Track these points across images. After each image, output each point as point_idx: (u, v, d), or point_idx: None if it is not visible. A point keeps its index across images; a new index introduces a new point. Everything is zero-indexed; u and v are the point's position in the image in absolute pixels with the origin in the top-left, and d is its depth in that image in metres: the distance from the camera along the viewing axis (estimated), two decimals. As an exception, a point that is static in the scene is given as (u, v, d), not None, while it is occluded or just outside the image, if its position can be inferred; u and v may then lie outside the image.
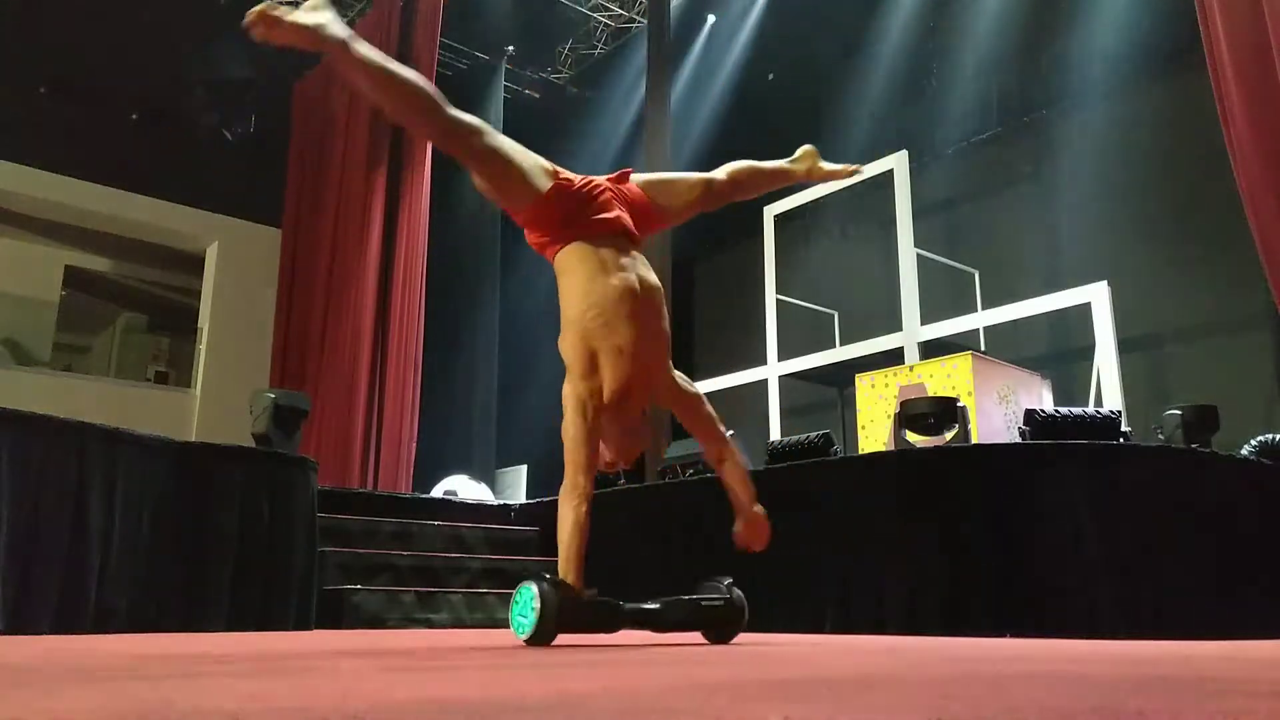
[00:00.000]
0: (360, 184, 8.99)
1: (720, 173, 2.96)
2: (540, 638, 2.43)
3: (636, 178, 2.84)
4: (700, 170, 3.05)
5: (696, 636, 2.93)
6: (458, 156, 2.61)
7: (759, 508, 2.79)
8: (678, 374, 2.74)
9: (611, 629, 2.61)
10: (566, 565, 2.46)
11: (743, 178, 3.01)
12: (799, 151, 3.17)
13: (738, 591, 2.83)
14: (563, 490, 2.52)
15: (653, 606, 2.70)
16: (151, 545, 3.78)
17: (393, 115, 2.59)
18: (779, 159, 3.19)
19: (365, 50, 2.38)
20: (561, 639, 2.60)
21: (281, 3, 2.35)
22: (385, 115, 2.60)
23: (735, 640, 2.88)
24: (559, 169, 2.71)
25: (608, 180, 2.76)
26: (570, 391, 2.58)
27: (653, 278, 2.69)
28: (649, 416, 2.78)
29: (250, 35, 2.26)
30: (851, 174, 3.25)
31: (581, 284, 2.57)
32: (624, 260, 2.62)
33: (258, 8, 2.25)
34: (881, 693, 1.26)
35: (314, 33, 2.31)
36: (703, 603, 2.77)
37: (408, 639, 3.25)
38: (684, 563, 4.58)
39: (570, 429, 2.55)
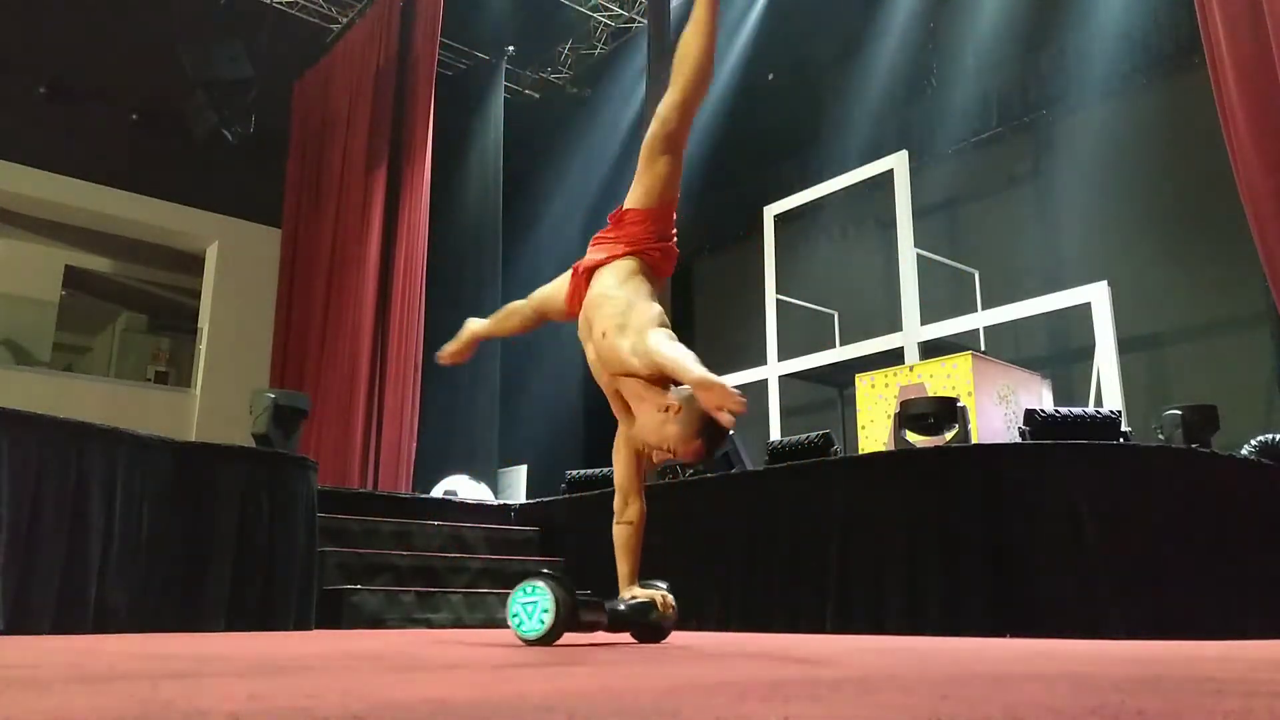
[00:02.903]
0: (360, 184, 8.99)
1: (666, 94, 2.79)
2: (550, 639, 2.48)
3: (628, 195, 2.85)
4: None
5: (690, 636, 2.94)
6: (535, 324, 3.12)
7: (698, 374, 2.30)
8: (654, 335, 2.51)
9: (615, 630, 2.69)
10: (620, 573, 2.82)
11: (680, 56, 2.71)
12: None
13: (656, 594, 2.80)
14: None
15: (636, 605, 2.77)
16: (151, 545, 3.78)
17: (511, 335, 3.31)
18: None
19: (487, 324, 3.21)
20: (570, 638, 2.61)
21: None
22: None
23: (734, 640, 2.88)
24: (580, 263, 2.84)
25: (602, 230, 2.88)
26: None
27: (594, 291, 2.70)
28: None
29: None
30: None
31: None
32: (586, 297, 2.75)
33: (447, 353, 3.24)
34: (881, 693, 1.26)
35: (470, 336, 3.20)
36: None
37: (408, 639, 3.25)
38: (684, 562, 4.58)
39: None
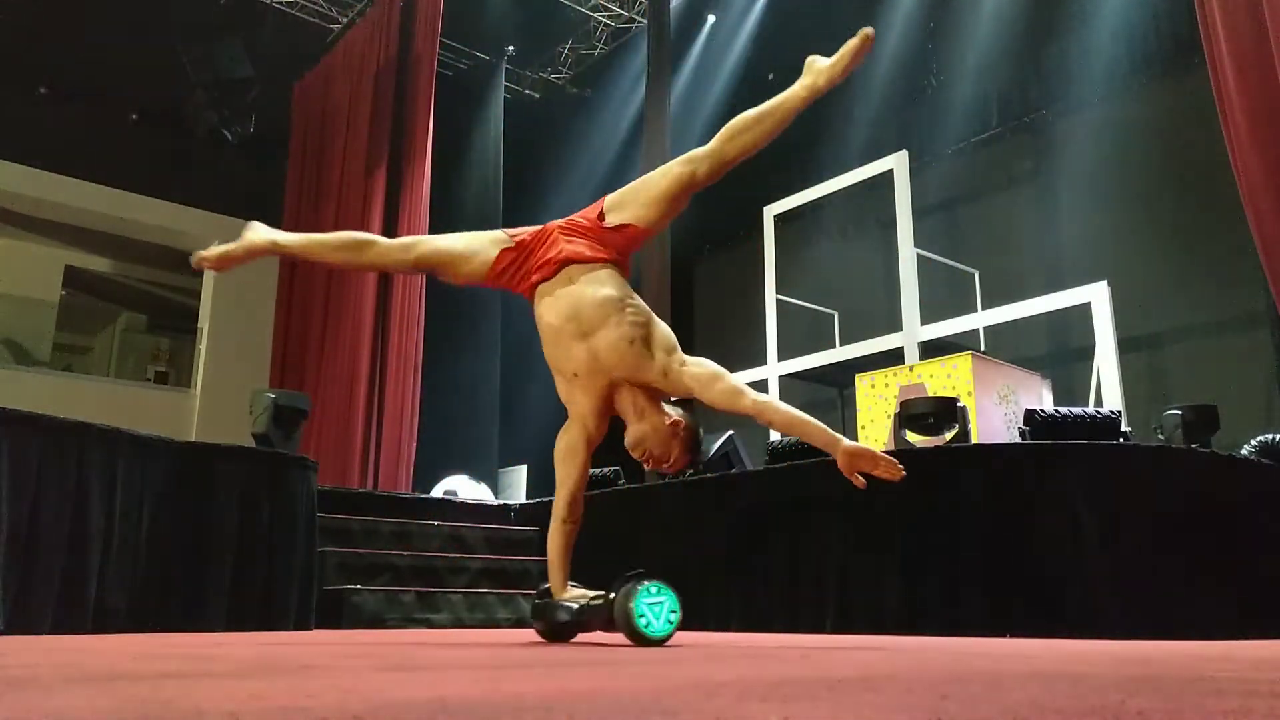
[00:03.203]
0: (360, 184, 8.99)
1: (703, 150, 2.74)
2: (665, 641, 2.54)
3: (609, 198, 2.85)
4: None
5: (690, 636, 2.94)
6: (408, 272, 2.88)
7: (847, 443, 2.59)
8: (684, 359, 2.67)
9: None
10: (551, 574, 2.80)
11: (739, 134, 2.71)
12: (810, 63, 2.74)
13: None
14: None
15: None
16: (151, 545, 3.78)
17: (342, 268, 2.90)
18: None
19: (290, 237, 2.85)
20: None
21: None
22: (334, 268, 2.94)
23: (734, 640, 2.88)
24: (516, 232, 2.82)
25: (568, 219, 2.83)
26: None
27: (598, 292, 2.68)
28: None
29: (197, 268, 2.73)
30: (867, 40, 2.65)
31: (540, 325, 2.75)
32: (566, 290, 2.70)
33: (209, 255, 2.75)
34: (881, 693, 1.26)
35: (248, 248, 2.75)
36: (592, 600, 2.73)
37: (408, 639, 3.25)
38: (684, 562, 4.58)
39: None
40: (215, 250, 2.76)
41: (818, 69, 2.71)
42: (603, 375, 2.67)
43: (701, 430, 2.78)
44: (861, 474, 2.57)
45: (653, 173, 2.88)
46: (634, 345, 2.64)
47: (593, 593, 2.74)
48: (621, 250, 2.79)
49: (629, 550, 4.90)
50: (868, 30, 2.65)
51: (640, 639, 2.50)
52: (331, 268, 2.95)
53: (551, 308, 2.70)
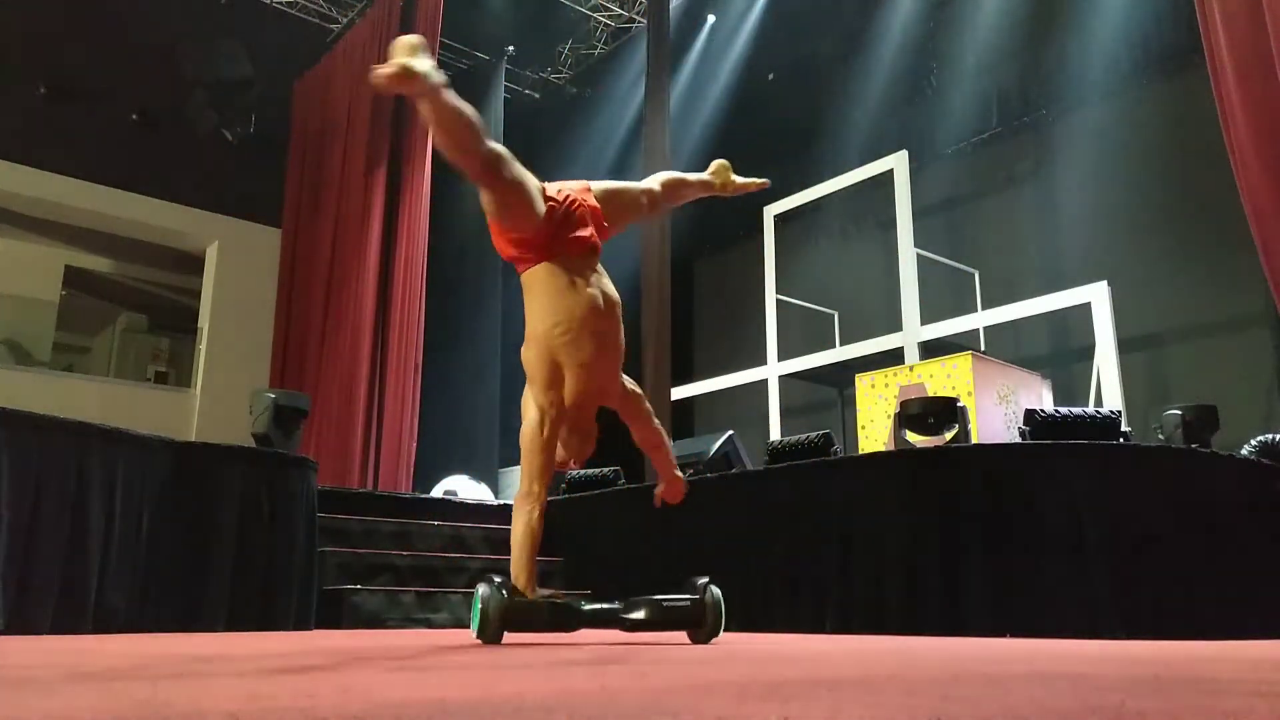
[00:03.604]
0: (360, 184, 8.99)
1: (654, 182, 3.11)
2: (486, 637, 2.51)
3: (594, 187, 2.89)
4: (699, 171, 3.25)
5: (683, 636, 2.93)
6: (484, 184, 2.63)
7: (678, 472, 3.14)
8: (626, 379, 2.88)
9: (566, 629, 2.64)
10: (517, 567, 2.60)
11: (672, 186, 3.16)
12: (713, 165, 3.27)
13: (714, 591, 2.79)
14: (517, 495, 2.68)
15: (612, 606, 2.72)
16: (151, 545, 3.78)
17: (447, 147, 2.64)
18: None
19: (450, 95, 2.51)
20: (561, 638, 2.60)
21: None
22: (438, 145, 2.65)
23: (733, 640, 2.88)
24: (545, 186, 2.77)
25: (577, 193, 2.81)
26: (530, 402, 2.74)
27: (614, 292, 2.76)
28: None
29: (378, 86, 2.36)
30: (760, 186, 3.33)
31: (550, 301, 2.67)
32: (590, 276, 2.71)
33: (400, 65, 2.33)
34: (881, 693, 1.26)
35: (425, 80, 2.39)
36: (665, 603, 2.76)
37: (408, 639, 3.25)
38: (683, 562, 4.58)
39: (528, 437, 2.70)
40: (387, 69, 2.34)
41: (724, 176, 3.25)
42: (596, 375, 2.68)
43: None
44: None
45: (622, 186, 3.00)
46: (622, 355, 2.76)
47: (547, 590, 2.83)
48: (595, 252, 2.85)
49: (629, 550, 4.90)
50: (765, 182, 3.30)
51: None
52: (439, 139, 2.61)
53: (574, 292, 2.66)
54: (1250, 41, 5.07)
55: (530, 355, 2.70)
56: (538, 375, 2.68)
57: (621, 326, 2.78)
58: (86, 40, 9.52)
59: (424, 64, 2.39)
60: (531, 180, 2.70)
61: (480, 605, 2.52)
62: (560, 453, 2.75)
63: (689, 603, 2.75)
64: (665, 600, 2.76)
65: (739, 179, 3.26)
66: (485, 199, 2.66)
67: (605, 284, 2.75)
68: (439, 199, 8.63)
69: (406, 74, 2.35)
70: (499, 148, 2.63)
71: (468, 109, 2.55)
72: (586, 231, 2.73)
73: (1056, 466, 3.69)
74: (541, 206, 2.67)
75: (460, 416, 9.10)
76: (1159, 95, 7.45)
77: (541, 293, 2.68)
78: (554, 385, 2.67)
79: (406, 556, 4.94)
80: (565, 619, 2.61)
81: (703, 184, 3.23)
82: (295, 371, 9.44)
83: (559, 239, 2.69)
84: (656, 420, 3.02)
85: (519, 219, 2.67)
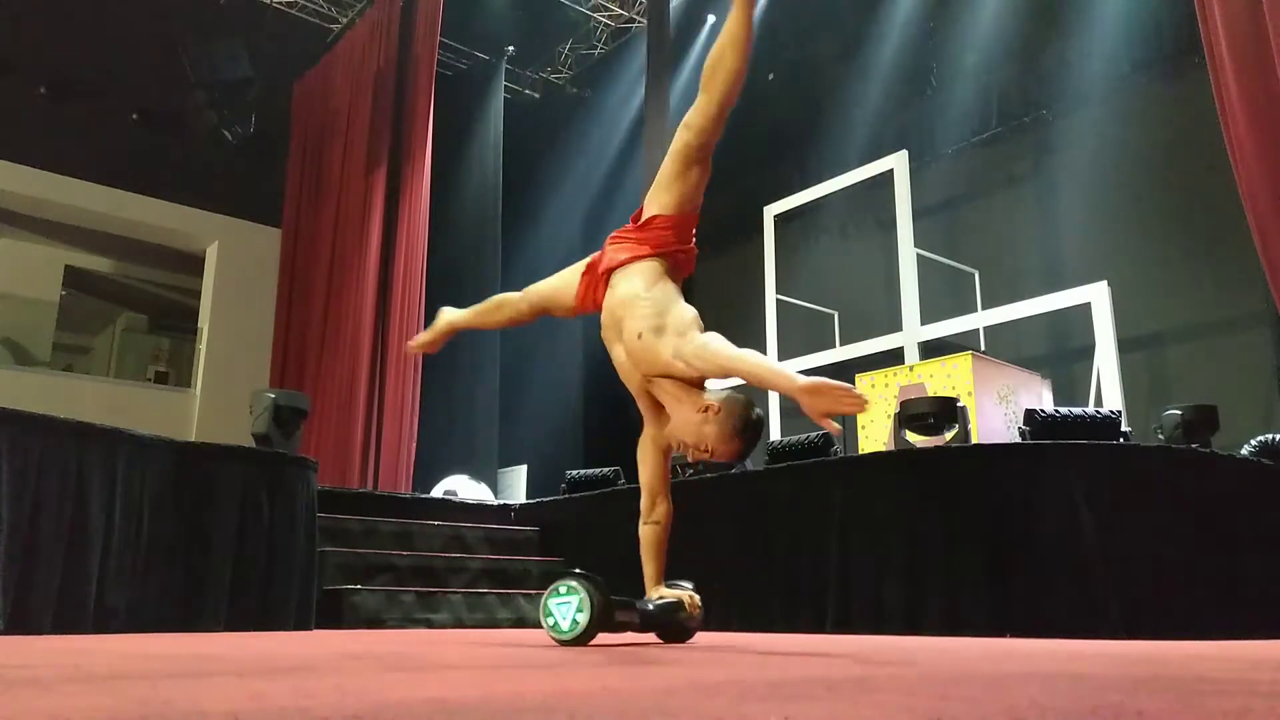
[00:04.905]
0: (360, 184, 8.99)
1: (695, 102, 2.72)
2: (586, 639, 2.52)
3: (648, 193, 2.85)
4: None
5: (691, 638, 2.94)
6: (529, 319, 3.03)
7: (803, 381, 2.24)
8: (696, 338, 2.52)
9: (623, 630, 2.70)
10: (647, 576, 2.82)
11: (713, 66, 2.66)
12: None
13: (684, 594, 2.83)
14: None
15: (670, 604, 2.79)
16: (151, 545, 3.78)
17: (498, 327, 3.24)
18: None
19: (466, 314, 3.11)
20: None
21: None
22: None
23: (733, 640, 2.88)
24: (594, 256, 2.84)
25: (621, 228, 2.84)
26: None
27: (622, 291, 2.68)
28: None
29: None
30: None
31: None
32: (608, 297, 2.73)
33: (418, 342, 3.22)
34: (881, 693, 1.26)
35: (445, 329, 3.19)
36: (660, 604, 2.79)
37: (408, 639, 3.25)
38: (684, 562, 4.57)
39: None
40: (421, 338, 3.20)
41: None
42: (635, 373, 2.66)
43: (753, 412, 2.51)
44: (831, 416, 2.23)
45: (666, 156, 2.87)
46: (643, 339, 2.56)
47: (670, 591, 2.82)
48: (660, 243, 2.71)
49: (629, 550, 4.89)
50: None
51: (553, 637, 2.58)
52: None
53: (601, 318, 2.74)
54: (1250, 41, 5.07)
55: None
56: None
57: (635, 320, 2.64)
58: (86, 40, 9.52)
59: (447, 317, 2.90)
60: (551, 284, 2.97)
61: (585, 609, 2.52)
62: (699, 449, 2.53)
63: (659, 610, 2.78)
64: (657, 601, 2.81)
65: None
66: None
67: (614, 290, 2.76)
68: (439, 199, 8.63)
69: (437, 337, 2.84)
70: (506, 300, 3.09)
71: (483, 307, 3.10)
72: (601, 266, 2.79)
73: (1056, 466, 3.69)
74: (571, 286, 2.87)
75: (460, 416, 9.11)
76: (1159, 95, 7.45)
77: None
78: (641, 400, 2.75)
79: (406, 556, 4.94)
80: (638, 620, 2.69)
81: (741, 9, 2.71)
82: (295, 371, 9.45)
83: (594, 292, 2.81)
84: (732, 351, 2.46)
85: (566, 310, 2.91)
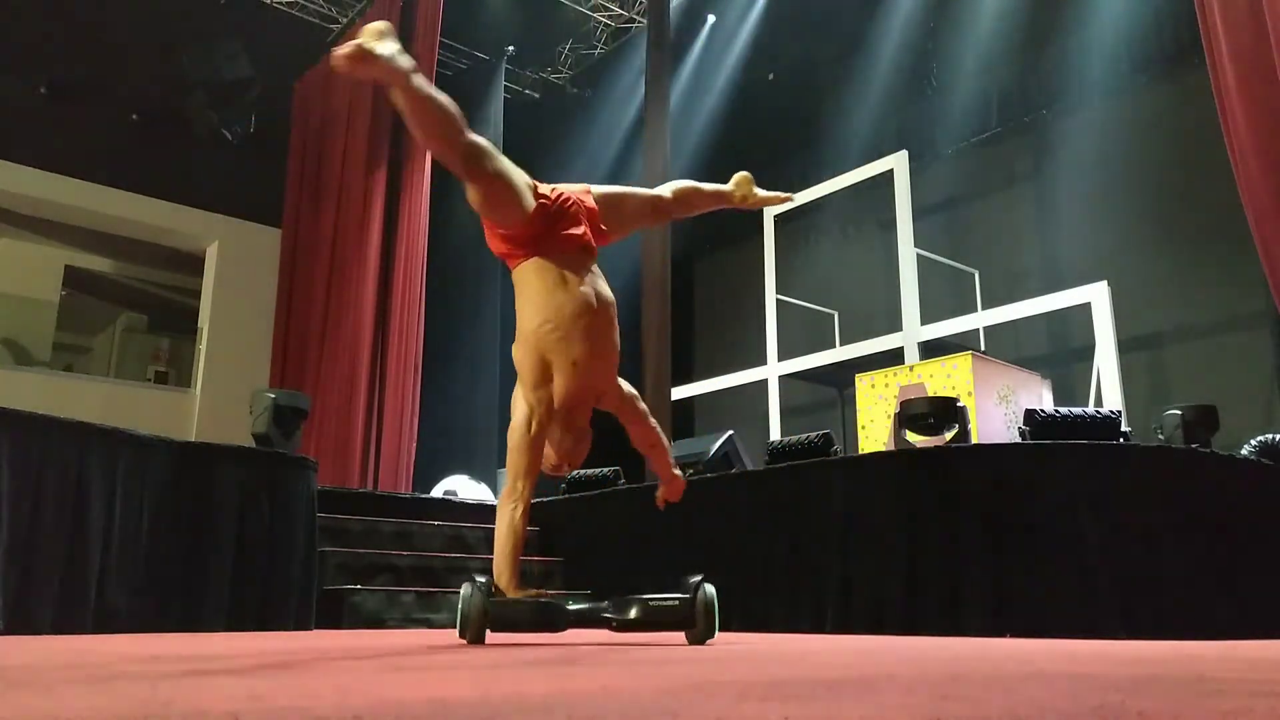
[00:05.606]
0: (360, 183, 8.98)
1: (665, 190, 3.09)
2: (469, 637, 2.51)
3: (595, 190, 2.89)
4: (704, 179, 3.28)
5: (681, 637, 2.89)
6: (467, 177, 2.59)
7: (677, 471, 3.14)
8: (621, 381, 2.85)
9: (550, 629, 2.58)
10: (500, 566, 2.58)
11: (685, 196, 3.11)
12: (735, 177, 3.22)
13: (706, 590, 2.72)
14: (502, 494, 2.65)
15: (599, 606, 2.67)
16: (151, 545, 3.78)
17: (423, 138, 2.65)
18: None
19: (420, 81, 2.46)
20: (560, 638, 2.60)
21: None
22: (415, 138, 2.59)
23: (733, 640, 2.87)
24: (537, 184, 2.76)
25: (576, 194, 2.81)
26: (519, 400, 2.71)
27: (608, 292, 2.75)
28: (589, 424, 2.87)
29: (337, 68, 2.34)
30: (784, 200, 3.32)
31: (540, 298, 2.65)
32: (583, 275, 2.70)
33: (357, 45, 2.32)
34: (881, 693, 1.26)
35: (388, 63, 2.37)
36: (653, 602, 2.68)
37: (408, 639, 3.25)
38: (683, 562, 4.58)
39: (515, 436, 2.66)
40: (345, 49, 2.35)
41: (745, 189, 3.22)
42: (588, 374, 2.66)
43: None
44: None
45: (627, 191, 3.00)
46: (617, 356, 2.75)
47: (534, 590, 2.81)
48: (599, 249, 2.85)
49: (629, 550, 4.90)
50: (789, 196, 3.34)
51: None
52: (415, 129, 2.51)
53: (564, 289, 2.65)
54: (1250, 41, 5.07)
55: (520, 352, 2.69)
56: (527, 373, 2.67)
57: (615, 328, 2.76)
58: (86, 40, 9.52)
59: (388, 48, 2.36)
60: (518, 175, 2.69)
61: (462, 605, 2.52)
62: (552, 456, 2.74)
63: (678, 602, 2.68)
64: (653, 600, 2.70)
65: (762, 192, 3.22)
66: (471, 193, 2.63)
67: (600, 284, 2.74)
68: (439, 199, 8.63)
69: (365, 55, 2.31)
70: (480, 140, 2.61)
71: (442, 97, 2.51)
72: (579, 229, 2.72)
73: (1056, 466, 3.69)
74: (530, 202, 2.66)
75: (460, 416, 9.11)
76: (1159, 95, 7.45)
77: (531, 289, 2.67)
78: (543, 383, 2.65)
79: (406, 556, 4.94)
80: (549, 618, 2.56)
81: (720, 195, 3.18)
82: (295, 371, 9.44)
83: (550, 235, 2.68)
84: (653, 420, 2.99)
85: (505, 214, 2.66)
